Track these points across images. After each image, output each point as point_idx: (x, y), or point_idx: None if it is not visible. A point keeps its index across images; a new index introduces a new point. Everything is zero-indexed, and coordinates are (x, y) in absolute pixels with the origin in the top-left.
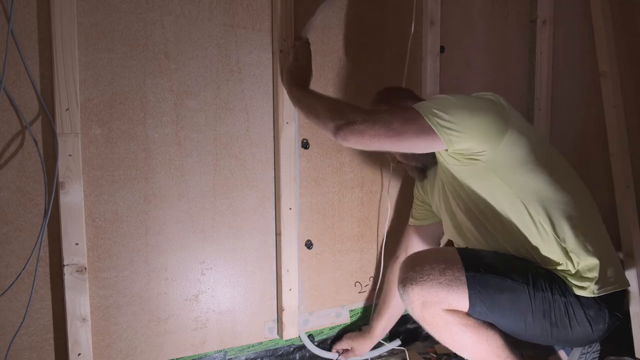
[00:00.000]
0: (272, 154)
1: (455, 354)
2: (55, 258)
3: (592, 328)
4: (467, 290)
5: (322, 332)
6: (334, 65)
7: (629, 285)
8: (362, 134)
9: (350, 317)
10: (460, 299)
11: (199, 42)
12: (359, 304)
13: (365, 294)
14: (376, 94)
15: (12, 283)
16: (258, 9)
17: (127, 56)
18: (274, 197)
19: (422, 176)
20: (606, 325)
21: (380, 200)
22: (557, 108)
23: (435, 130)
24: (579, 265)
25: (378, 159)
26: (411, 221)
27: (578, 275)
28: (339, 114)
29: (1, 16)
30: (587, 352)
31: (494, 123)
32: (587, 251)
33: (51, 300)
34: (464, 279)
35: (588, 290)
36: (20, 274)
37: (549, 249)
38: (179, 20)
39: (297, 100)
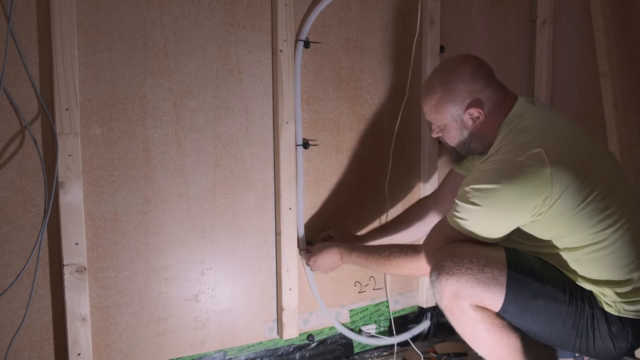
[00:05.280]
0: (272, 154)
1: (455, 354)
2: (55, 258)
3: (614, 345)
4: (504, 291)
5: (322, 332)
6: (334, 65)
7: None
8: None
9: (350, 317)
10: (495, 299)
11: (198, 42)
12: (359, 304)
13: (365, 294)
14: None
15: (12, 283)
16: (258, 9)
17: (127, 56)
18: (273, 197)
19: (457, 159)
20: (629, 344)
21: (379, 201)
22: (557, 108)
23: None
24: (614, 292)
25: (378, 160)
26: (456, 169)
27: (610, 297)
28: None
29: (1, 16)
30: None
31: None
32: (628, 282)
33: (51, 300)
34: (503, 279)
35: (614, 308)
36: (20, 274)
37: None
38: (179, 20)
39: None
